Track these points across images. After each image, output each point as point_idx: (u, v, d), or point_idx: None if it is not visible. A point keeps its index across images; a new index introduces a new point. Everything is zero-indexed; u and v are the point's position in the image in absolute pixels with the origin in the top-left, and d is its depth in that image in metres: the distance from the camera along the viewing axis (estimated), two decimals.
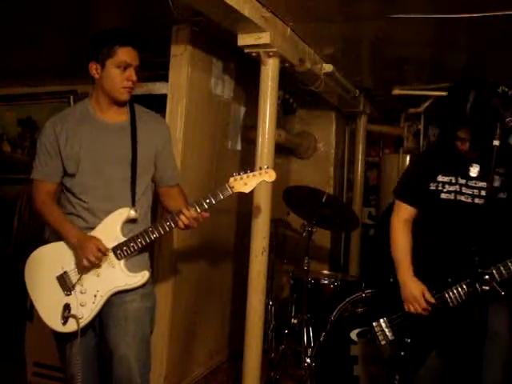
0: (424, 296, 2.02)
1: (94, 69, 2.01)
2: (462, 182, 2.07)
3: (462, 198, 2.06)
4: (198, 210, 1.98)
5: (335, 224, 3.44)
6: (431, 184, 2.11)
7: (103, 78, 2.00)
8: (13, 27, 3.15)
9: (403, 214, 2.20)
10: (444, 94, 3.94)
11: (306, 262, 3.14)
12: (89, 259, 1.91)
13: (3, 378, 3.06)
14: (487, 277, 1.82)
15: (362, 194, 4.89)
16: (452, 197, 2.07)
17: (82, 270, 1.97)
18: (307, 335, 3.14)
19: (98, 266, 1.96)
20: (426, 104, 4.40)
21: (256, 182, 2.00)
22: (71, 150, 2.00)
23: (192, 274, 3.17)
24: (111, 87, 2.00)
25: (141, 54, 2.04)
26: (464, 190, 2.06)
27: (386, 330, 2.12)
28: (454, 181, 2.08)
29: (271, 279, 3.48)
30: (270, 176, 2.02)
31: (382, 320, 2.14)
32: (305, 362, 3.01)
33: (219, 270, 3.53)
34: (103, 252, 1.94)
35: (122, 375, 1.96)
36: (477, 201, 2.05)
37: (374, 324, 2.14)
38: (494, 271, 1.88)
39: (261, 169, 2.03)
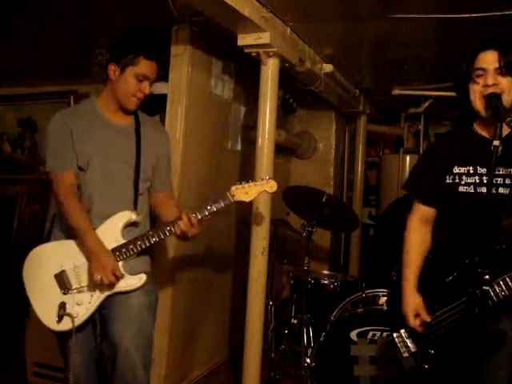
0: (419, 313, 1.85)
1: (112, 70, 2.01)
2: (482, 171, 1.81)
3: (483, 190, 1.79)
4: (199, 217, 1.98)
5: (335, 224, 3.44)
6: (447, 177, 1.87)
7: (119, 82, 2.00)
8: (13, 27, 3.15)
9: (418, 213, 1.98)
10: (444, 94, 3.95)
11: (306, 262, 3.14)
12: (102, 280, 1.90)
13: (3, 378, 3.06)
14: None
15: (362, 193, 4.89)
16: (471, 189, 1.82)
17: (84, 272, 1.97)
18: (307, 335, 3.14)
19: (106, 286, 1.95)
20: (426, 104, 4.40)
21: (257, 191, 2.03)
22: (82, 149, 1.99)
23: (192, 274, 3.17)
24: (123, 93, 2.01)
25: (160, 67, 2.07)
26: (485, 180, 1.79)
27: (408, 341, 1.91)
28: (472, 171, 1.83)
29: (271, 279, 3.48)
30: (272, 186, 2.04)
31: (402, 330, 1.93)
32: (305, 362, 3.01)
33: (219, 270, 3.53)
34: (118, 277, 1.93)
35: (125, 368, 1.98)
36: (502, 190, 1.78)
37: (395, 335, 1.94)
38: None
39: (262, 179, 2.05)
